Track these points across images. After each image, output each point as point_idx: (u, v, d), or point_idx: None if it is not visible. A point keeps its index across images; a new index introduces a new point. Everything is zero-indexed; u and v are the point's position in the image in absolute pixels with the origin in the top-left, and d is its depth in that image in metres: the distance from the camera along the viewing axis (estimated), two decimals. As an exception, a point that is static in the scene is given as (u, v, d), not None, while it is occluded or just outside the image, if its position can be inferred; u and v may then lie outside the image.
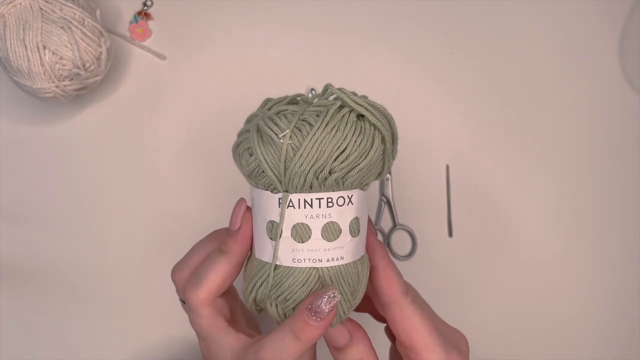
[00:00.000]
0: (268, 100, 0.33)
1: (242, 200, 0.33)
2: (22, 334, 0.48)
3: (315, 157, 0.28)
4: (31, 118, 0.51)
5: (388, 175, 0.51)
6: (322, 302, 0.30)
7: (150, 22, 0.54)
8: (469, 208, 0.52)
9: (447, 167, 0.52)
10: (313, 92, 0.52)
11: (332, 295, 0.30)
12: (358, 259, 0.31)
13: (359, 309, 0.38)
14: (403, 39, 0.54)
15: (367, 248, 0.33)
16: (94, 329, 0.48)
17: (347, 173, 0.29)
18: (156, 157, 0.51)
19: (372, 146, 0.30)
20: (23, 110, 0.51)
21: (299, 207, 0.30)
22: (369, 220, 0.34)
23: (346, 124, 0.29)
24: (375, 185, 0.52)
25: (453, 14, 0.55)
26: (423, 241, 0.51)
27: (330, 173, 0.29)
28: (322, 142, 0.28)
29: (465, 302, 0.50)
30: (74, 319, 0.48)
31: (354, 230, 0.31)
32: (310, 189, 0.29)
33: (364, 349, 0.32)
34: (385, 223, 0.51)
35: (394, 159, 0.32)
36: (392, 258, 0.39)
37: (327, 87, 0.31)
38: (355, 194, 0.30)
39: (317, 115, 0.29)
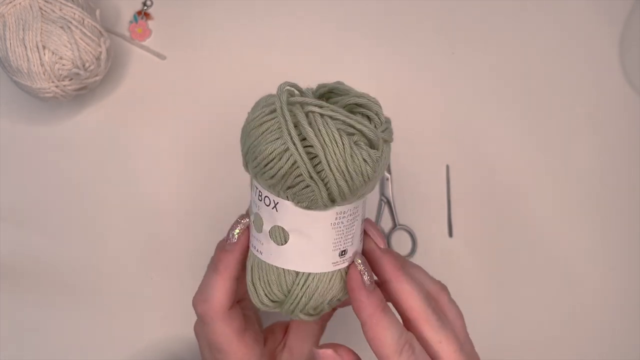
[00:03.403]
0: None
1: (243, 216, 0.34)
2: (22, 334, 0.48)
3: (242, 145, 0.30)
4: (31, 118, 0.51)
5: (388, 175, 0.51)
6: (233, 226, 0.33)
7: (150, 22, 0.54)
8: (469, 208, 0.52)
9: (447, 167, 0.52)
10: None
11: (243, 221, 0.33)
12: (285, 269, 0.31)
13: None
14: (403, 39, 0.54)
15: (355, 304, 0.31)
16: (94, 329, 0.48)
17: (260, 174, 0.29)
18: (156, 156, 0.51)
19: (283, 154, 0.28)
20: (23, 110, 0.51)
21: (252, 191, 0.32)
22: (360, 271, 0.31)
23: (266, 127, 0.29)
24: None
25: (453, 14, 0.55)
26: (423, 241, 0.51)
27: (248, 167, 0.30)
28: (244, 136, 0.30)
29: (465, 303, 0.50)
30: (73, 319, 0.48)
31: (276, 237, 0.30)
32: (255, 175, 0.31)
33: None
34: (385, 223, 0.51)
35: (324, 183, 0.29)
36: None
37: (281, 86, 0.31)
38: (282, 203, 0.29)
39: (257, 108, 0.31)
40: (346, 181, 0.28)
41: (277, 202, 0.29)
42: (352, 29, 0.54)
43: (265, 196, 0.30)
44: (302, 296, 0.31)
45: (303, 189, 0.28)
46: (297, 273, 0.31)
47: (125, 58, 0.53)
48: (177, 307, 0.47)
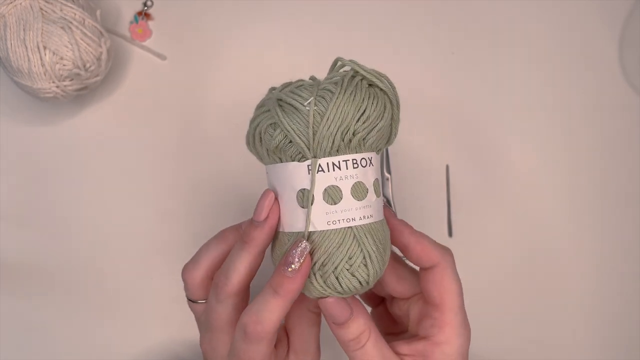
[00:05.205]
0: (273, 88, 0.35)
1: (268, 191, 0.33)
2: (22, 334, 0.48)
3: (340, 120, 0.31)
4: (31, 118, 0.51)
5: (388, 176, 0.51)
6: (294, 252, 0.31)
7: (150, 22, 0.54)
8: (469, 208, 0.52)
9: (447, 167, 0.52)
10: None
11: (303, 246, 0.31)
12: (382, 220, 0.33)
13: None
14: (403, 39, 0.54)
15: (392, 229, 0.34)
16: (94, 329, 0.48)
17: (368, 134, 0.32)
18: (156, 156, 0.51)
19: (385, 109, 0.33)
20: (23, 110, 0.51)
21: (329, 171, 0.31)
22: (385, 204, 0.36)
23: (361, 89, 0.32)
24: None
25: (453, 14, 0.55)
26: (423, 241, 0.51)
27: (354, 134, 0.31)
28: (344, 105, 0.31)
29: (464, 302, 0.50)
30: (74, 319, 0.48)
31: (377, 190, 0.33)
32: (337, 152, 0.31)
33: (365, 321, 0.32)
34: (385, 223, 0.51)
35: (398, 124, 0.34)
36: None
37: (337, 61, 0.33)
38: (373, 156, 0.33)
39: (336, 84, 0.32)
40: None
41: (371, 157, 0.32)
42: (352, 30, 0.54)
43: (362, 158, 0.32)
44: (390, 244, 0.34)
45: (385, 129, 0.33)
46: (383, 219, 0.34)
47: (125, 58, 0.53)
48: (178, 307, 0.47)
